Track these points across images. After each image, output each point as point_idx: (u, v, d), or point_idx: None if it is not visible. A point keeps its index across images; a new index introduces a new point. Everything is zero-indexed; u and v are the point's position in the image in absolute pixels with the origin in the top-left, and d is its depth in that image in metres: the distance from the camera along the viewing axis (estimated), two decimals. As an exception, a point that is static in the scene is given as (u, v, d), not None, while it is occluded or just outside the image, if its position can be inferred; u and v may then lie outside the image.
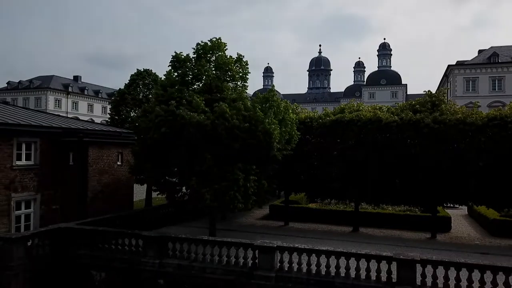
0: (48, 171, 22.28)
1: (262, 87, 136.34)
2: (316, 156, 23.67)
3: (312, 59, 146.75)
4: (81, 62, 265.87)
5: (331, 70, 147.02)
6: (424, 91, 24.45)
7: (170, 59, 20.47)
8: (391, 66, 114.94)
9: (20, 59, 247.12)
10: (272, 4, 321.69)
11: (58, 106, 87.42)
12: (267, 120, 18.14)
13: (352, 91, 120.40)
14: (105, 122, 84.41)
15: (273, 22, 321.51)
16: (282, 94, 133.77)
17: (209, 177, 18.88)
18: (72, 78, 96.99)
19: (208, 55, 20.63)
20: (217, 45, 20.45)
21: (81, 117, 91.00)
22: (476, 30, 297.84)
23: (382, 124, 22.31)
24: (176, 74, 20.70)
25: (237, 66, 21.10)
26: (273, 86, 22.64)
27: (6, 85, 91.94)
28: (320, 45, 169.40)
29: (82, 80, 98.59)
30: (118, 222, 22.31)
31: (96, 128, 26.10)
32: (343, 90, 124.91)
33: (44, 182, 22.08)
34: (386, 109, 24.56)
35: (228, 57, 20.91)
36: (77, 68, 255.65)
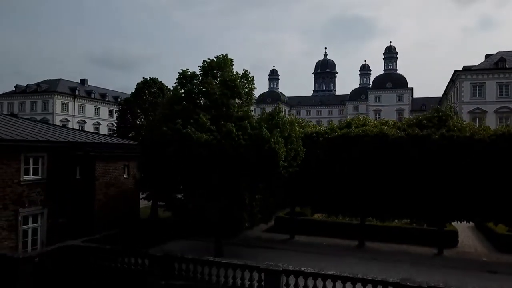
0: (55, 185, 22.40)
1: (267, 89, 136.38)
2: (322, 170, 23.59)
3: (318, 62, 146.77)
4: (87, 64, 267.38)
5: (337, 72, 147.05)
6: (433, 104, 24.27)
7: (177, 76, 20.54)
8: (397, 70, 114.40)
9: (26, 60, 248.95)
10: (278, 5, 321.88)
11: (65, 110, 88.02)
12: (272, 139, 18.14)
13: (357, 94, 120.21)
14: (111, 125, 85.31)
15: (279, 24, 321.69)
16: (288, 97, 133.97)
17: (215, 194, 18.95)
18: (79, 81, 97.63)
19: (215, 71, 20.68)
20: (223, 62, 20.51)
21: (87, 120, 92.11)
22: (482, 31, 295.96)
23: (388, 140, 22.24)
24: (182, 90, 20.76)
25: (243, 81, 21.14)
26: (279, 103, 22.71)
27: (14, 88, 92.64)
28: (325, 48, 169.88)
29: (88, 84, 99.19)
30: (125, 237, 22.44)
31: (103, 141, 26.19)
32: (349, 93, 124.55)
33: (51, 196, 22.21)
34: (392, 123, 24.48)
35: (234, 73, 20.99)
36: (84, 69, 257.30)
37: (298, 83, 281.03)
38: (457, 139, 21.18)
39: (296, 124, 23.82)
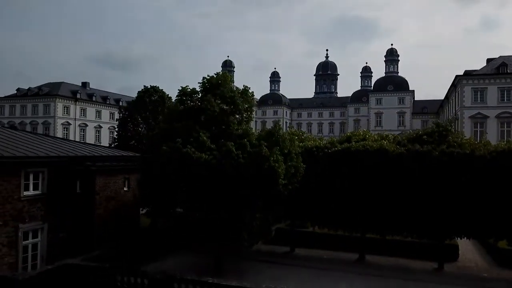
0: (56, 200, 22.42)
1: (269, 91, 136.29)
2: (322, 185, 23.57)
3: (319, 64, 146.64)
4: (88, 64, 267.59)
5: (338, 74, 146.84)
6: (433, 118, 24.24)
7: (177, 93, 20.60)
8: (398, 72, 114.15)
9: (28, 61, 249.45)
10: (279, 6, 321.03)
11: (66, 113, 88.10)
12: (272, 158, 18.16)
13: (359, 96, 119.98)
14: (112, 128, 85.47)
15: (281, 24, 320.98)
16: (289, 99, 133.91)
17: (215, 208, 19.00)
18: (80, 84, 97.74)
19: (215, 88, 20.72)
20: (223, 79, 20.57)
21: (89, 124, 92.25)
22: (484, 32, 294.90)
23: (389, 156, 22.24)
24: (182, 107, 20.82)
25: (243, 98, 21.19)
26: (279, 121, 22.68)
27: (15, 91, 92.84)
28: (327, 50, 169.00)
29: (90, 87, 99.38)
30: (124, 252, 22.48)
31: (103, 154, 26.19)
32: (350, 95, 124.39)
33: (52, 211, 22.23)
34: (392, 138, 24.47)
35: (234, 89, 21.05)
36: (85, 70, 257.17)
37: (300, 85, 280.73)
38: (457, 156, 21.16)
39: (296, 138, 23.86)
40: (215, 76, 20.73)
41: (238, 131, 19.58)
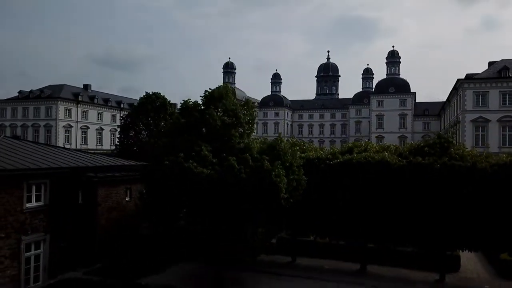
0: (58, 211, 22.50)
1: (270, 93, 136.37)
2: (324, 196, 23.60)
3: (321, 65, 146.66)
4: (89, 64, 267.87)
5: (339, 76, 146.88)
6: (435, 130, 24.22)
7: (179, 106, 20.65)
8: (399, 74, 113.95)
9: (29, 61, 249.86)
10: (280, 6, 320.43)
11: (68, 116, 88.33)
12: (273, 172, 18.21)
13: (360, 98, 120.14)
14: (114, 130, 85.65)
15: (281, 24, 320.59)
16: (290, 100, 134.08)
17: (217, 223, 19.04)
18: (82, 86, 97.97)
19: (217, 101, 20.79)
20: (224, 92, 20.64)
21: (90, 126, 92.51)
22: (485, 32, 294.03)
23: (390, 168, 22.29)
24: (184, 120, 20.87)
25: (245, 110, 21.25)
26: (280, 133, 22.70)
27: (17, 94, 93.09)
28: (328, 51, 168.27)
29: (91, 89, 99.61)
30: (126, 264, 22.56)
31: (105, 164, 26.23)
32: (351, 97, 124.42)
33: (54, 222, 22.29)
34: (394, 148, 24.50)
35: (235, 101, 21.11)
36: (86, 70, 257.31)
37: (300, 86, 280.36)
38: (459, 168, 21.18)
39: (298, 148, 23.88)
40: (216, 89, 20.80)
41: (240, 145, 19.62)
